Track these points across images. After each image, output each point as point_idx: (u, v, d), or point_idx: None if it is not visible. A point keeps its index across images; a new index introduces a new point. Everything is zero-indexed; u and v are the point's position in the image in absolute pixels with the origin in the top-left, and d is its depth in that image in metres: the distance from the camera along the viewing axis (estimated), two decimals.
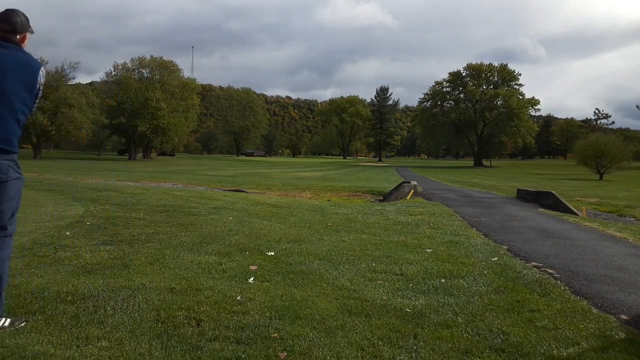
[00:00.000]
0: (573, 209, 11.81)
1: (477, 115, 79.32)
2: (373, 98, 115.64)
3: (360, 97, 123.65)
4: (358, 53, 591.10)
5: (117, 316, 2.81)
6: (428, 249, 5.39)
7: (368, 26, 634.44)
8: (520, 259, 5.10)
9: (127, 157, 73.37)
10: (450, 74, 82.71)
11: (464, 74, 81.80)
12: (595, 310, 3.36)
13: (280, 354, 2.43)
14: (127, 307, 2.97)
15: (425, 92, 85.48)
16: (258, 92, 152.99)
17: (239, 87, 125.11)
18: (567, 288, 3.95)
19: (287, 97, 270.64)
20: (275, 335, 2.65)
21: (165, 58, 72.57)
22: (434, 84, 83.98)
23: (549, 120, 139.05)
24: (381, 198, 15.66)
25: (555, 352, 2.59)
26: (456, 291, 3.68)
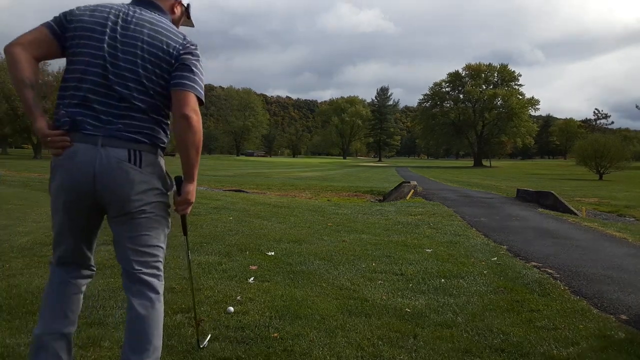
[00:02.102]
0: (573, 209, 11.81)
1: (477, 115, 79.31)
2: (373, 98, 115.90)
3: (360, 97, 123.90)
4: (359, 56, 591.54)
5: (117, 316, 2.81)
6: (428, 249, 5.39)
7: (370, 33, 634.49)
8: (520, 259, 5.10)
9: None
10: (449, 74, 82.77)
11: (463, 75, 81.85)
12: (595, 310, 3.36)
13: (280, 353, 2.43)
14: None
15: (424, 93, 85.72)
16: (258, 92, 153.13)
17: (240, 88, 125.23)
18: (566, 288, 3.95)
19: (287, 97, 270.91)
20: (275, 335, 2.65)
21: None
22: (433, 85, 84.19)
23: (548, 121, 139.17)
24: (381, 198, 15.67)
25: (555, 352, 2.59)
26: (456, 291, 3.68)
